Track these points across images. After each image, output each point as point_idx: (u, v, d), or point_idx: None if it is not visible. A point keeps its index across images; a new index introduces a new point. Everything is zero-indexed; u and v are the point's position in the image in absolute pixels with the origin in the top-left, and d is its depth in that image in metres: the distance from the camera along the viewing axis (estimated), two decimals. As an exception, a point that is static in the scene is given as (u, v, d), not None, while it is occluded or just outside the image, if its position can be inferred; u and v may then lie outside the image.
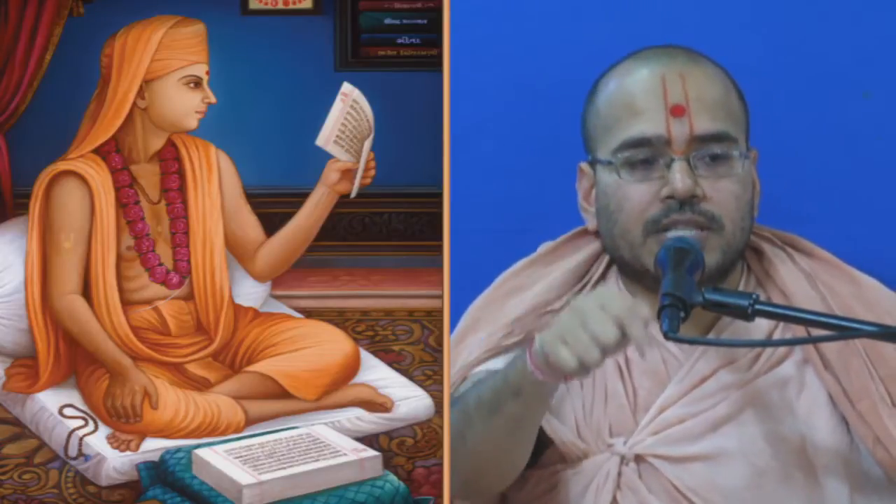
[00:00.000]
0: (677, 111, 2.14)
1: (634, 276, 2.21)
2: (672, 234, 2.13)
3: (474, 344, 2.26)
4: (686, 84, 2.15)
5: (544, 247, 2.34)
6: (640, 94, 2.16)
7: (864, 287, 2.24)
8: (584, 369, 1.91)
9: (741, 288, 2.24)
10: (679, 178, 2.11)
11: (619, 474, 2.18)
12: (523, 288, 2.28)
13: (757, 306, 1.99)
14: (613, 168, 2.14)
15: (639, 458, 2.19)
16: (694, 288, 2.01)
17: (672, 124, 2.14)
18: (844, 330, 1.99)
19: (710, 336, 2.21)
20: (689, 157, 2.13)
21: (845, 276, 2.25)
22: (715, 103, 2.17)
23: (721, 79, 2.20)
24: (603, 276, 2.28)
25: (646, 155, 2.14)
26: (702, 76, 2.18)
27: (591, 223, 2.26)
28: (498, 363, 2.20)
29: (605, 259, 2.28)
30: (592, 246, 2.29)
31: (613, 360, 2.22)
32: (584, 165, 2.24)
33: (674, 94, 2.15)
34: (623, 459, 2.19)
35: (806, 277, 2.23)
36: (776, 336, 2.21)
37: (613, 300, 1.92)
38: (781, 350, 2.21)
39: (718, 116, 2.16)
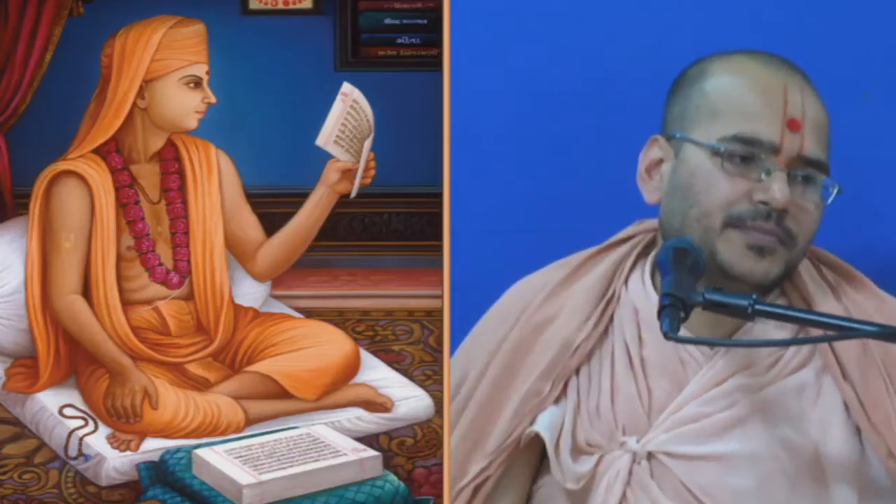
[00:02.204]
0: (794, 125, 2.17)
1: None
2: (749, 232, 2.14)
3: (518, 396, 2.26)
4: (805, 101, 2.18)
5: (557, 271, 2.33)
6: (761, 93, 2.17)
7: (887, 302, 2.26)
8: None
9: (770, 295, 2.25)
10: (779, 188, 2.13)
11: (630, 472, 2.19)
12: (550, 320, 2.29)
13: (757, 306, 1.99)
14: (717, 154, 2.15)
15: (650, 456, 2.19)
16: (694, 288, 2.01)
17: (786, 136, 2.16)
18: (844, 330, 1.99)
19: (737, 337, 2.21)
20: (790, 171, 2.15)
21: (867, 290, 2.26)
22: (822, 130, 2.20)
23: (825, 108, 2.23)
24: (631, 272, 2.28)
25: (752, 153, 2.15)
26: (816, 100, 2.21)
27: (650, 196, 2.25)
28: (543, 421, 2.21)
29: (630, 261, 2.28)
30: (604, 264, 2.28)
31: (625, 359, 2.23)
32: (661, 139, 2.23)
33: (794, 107, 2.17)
34: (635, 457, 2.19)
35: (830, 289, 2.24)
36: (776, 340, 2.22)
37: None
38: (800, 357, 2.21)
39: (823, 144, 2.20)
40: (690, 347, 2.19)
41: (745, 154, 2.16)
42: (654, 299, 2.22)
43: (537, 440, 2.21)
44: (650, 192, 2.25)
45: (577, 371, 2.24)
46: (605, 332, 2.25)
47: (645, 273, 2.27)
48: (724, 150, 2.16)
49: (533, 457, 2.25)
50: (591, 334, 2.23)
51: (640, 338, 2.24)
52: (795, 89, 2.19)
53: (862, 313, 2.21)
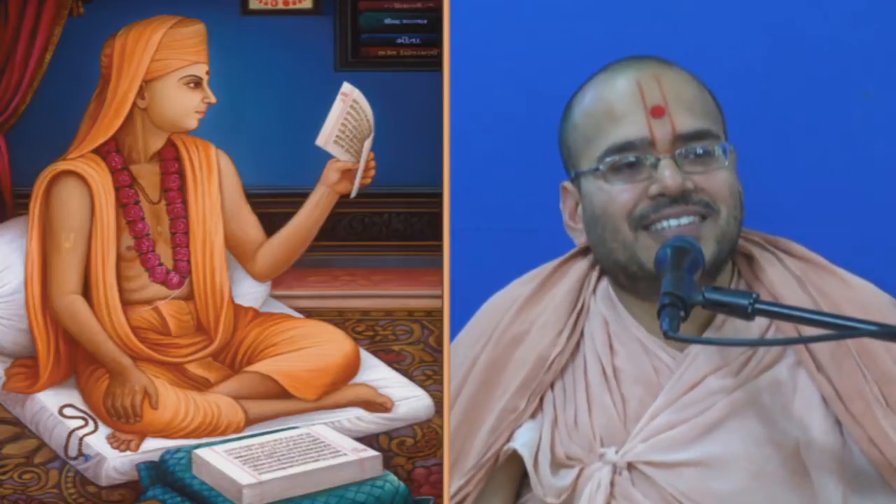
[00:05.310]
0: (657, 112, 2.16)
1: (628, 281, 2.20)
2: (664, 224, 2.13)
3: (494, 413, 2.26)
4: (662, 85, 2.18)
5: (526, 285, 2.33)
6: (617, 100, 2.17)
7: (856, 289, 2.24)
8: None
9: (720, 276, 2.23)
10: (668, 174, 2.12)
11: (612, 483, 2.18)
12: (523, 336, 2.28)
13: (757, 305, 1.99)
14: (600, 175, 2.15)
15: (631, 466, 2.19)
16: (694, 287, 2.01)
17: (654, 125, 2.15)
18: (844, 329, 1.99)
19: (707, 335, 2.20)
20: (674, 155, 2.14)
21: (836, 278, 2.25)
22: (692, 101, 2.19)
23: (693, 79, 2.21)
24: (598, 282, 2.28)
25: (631, 158, 2.15)
26: (675, 77, 2.20)
27: (580, 240, 2.26)
28: (520, 437, 2.21)
29: (597, 271, 2.28)
30: (572, 275, 2.28)
31: (598, 370, 2.23)
32: (568, 184, 2.25)
33: (651, 95, 2.17)
34: (615, 468, 2.19)
35: (796, 280, 2.23)
36: (768, 337, 2.21)
37: None
38: (773, 353, 2.20)
39: (698, 114, 2.18)
40: (662, 354, 2.20)
41: (625, 161, 2.16)
42: (620, 309, 2.23)
43: (518, 457, 2.21)
44: (578, 236, 2.28)
45: (552, 385, 2.24)
46: (578, 344, 2.25)
47: (609, 290, 2.27)
48: (601, 169, 2.17)
49: (515, 473, 2.25)
50: (564, 348, 2.24)
51: (611, 347, 2.24)
52: (648, 78, 2.19)
53: (830, 302, 2.21)
